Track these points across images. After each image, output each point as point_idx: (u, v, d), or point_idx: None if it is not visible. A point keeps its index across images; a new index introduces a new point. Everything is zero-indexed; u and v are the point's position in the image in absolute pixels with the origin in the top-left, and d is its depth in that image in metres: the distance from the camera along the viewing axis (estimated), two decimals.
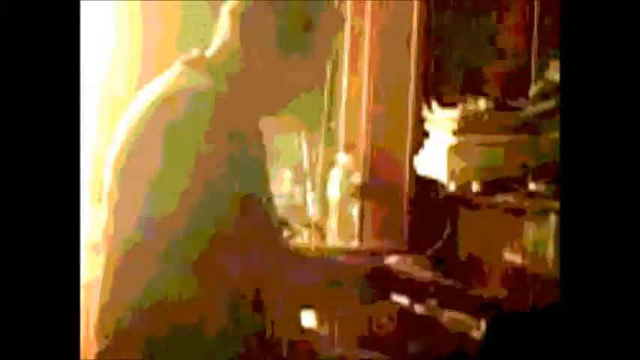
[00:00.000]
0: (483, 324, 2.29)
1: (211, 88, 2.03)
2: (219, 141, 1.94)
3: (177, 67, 2.09)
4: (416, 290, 2.26)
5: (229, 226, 1.93)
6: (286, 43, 2.06)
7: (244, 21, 2.06)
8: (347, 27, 3.26)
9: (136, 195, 1.95)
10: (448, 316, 2.39)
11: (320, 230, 3.26)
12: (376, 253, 3.10)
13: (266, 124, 2.17)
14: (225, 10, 2.10)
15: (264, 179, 2.08)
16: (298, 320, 2.24)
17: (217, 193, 1.93)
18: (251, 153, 2.02)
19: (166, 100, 2.00)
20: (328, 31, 2.13)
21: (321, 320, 2.68)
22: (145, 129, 1.99)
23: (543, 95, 2.82)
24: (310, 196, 3.34)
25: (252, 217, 1.99)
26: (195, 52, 2.11)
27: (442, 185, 2.89)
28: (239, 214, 1.95)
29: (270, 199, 2.10)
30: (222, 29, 2.09)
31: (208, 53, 2.11)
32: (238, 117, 2.02)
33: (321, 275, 2.13)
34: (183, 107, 1.97)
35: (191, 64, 2.09)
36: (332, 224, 3.26)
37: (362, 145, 3.27)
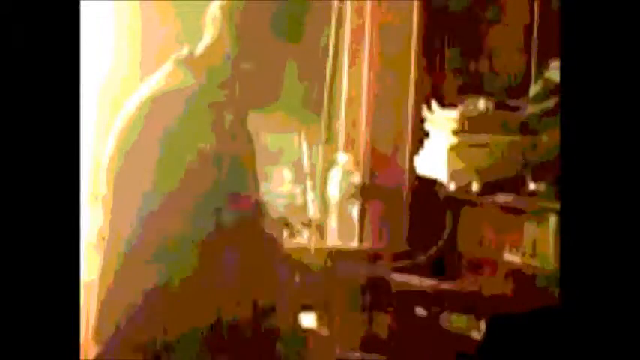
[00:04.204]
0: (483, 324, 2.29)
1: (201, 87, 2.03)
2: (210, 140, 1.94)
3: (168, 66, 2.09)
4: (416, 296, 2.27)
5: (224, 226, 1.94)
6: (277, 34, 2.06)
7: (237, 13, 2.06)
8: (347, 26, 3.27)
9: (131, 195, 1.95)
10: (448, 317, 2.39)
11: (320, 230, 3.26)
12: (376, 255, 3.11)
13: (266, 123, 2.17)
14: (215, 6, 2.10)
15: (254, 177, 2.09)
16: (298, 320, 2.24)
17: (211, 193, 1.93)
18: (241, 151, 2.02)
19: (158, 101, 2.00)
20: (319, 20, 2.14)
21: (321, 320, 2.68)
22: (138, 129, 2.00)
23: (543, 95, 2.82)
24: (310, 196, 3.34)
25: (247, 218, 1.99)
26: (185, 49, 2.12)
27: (442, 185, 2.89)
28: (232, 214, 1.95)
29: (261, 199, 2.11)
30: (212, 26, 2.09)
31: (198, 50, 2.11)
32: (228, 115, 2.03)
33: (319, 283, 2.14)
34: (174, 108, 1.97)
35: (182, 62, 2.09)
36: (332, 224, 3.26)
37: (362, 145, 3.27)
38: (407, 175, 3.18)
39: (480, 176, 2.79)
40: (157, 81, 2.07)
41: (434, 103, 2.97)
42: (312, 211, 3.32)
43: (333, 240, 3.25)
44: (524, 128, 2.80)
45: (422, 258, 2.94)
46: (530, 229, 2.60)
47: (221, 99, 2.04)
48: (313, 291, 2.17)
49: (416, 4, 3.21)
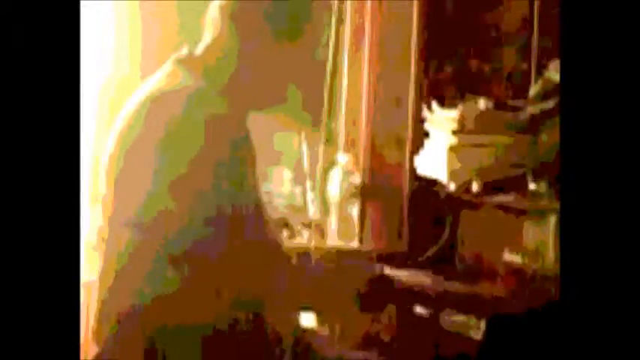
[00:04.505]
0: (483, 324, 2.29)
1: (201, 88, 2.03)
2: (209, 141, 1.94)
3: (168, 66, 2.09)
4: (416, 296, 2.26)
5: (223, 227, 1.94)
6: (277, 34, 2.06)
7: (237, 14, 2.06)
8: (347, 26, 3.27)
9: (130, 196, 1.95)
10: (448, 316, 2.39)
11: (320, 230, 3.26)
12: (376, 254, 3.11)
13: (266, 123, 2.17)
14: (215, 6, 2.10)
15: (254, 177, 2.09)
16: (298, 320, 2.25)
17: (210, 193, 1.93)
18: (241, 151, 2.02)
19: (158, 101, 2.00)
20: (319, 21, 2.14)
21: (321, 320, 2.68)
22: (138, 129, 2.00)
23: (543, 95, 2.82)
24: (310, 196, 3.34)
25: (247, 218, 1.99)
26: (185, 50, 2.12)
27: (442, 185, 2.89)
28: (233, 215, 1.95)
29: (261, 199, 2.10)
30: (212, 26, 2.09)
31: (198, 51, 2.11)
32: (227, 115, 2.02)
33: (319, 283, 2.14)
34: (174, 108, 1.97)
35: (181, 62, 2.09)
36: (332, 224, 3.26)
37: (362, 145, 3.27)
38: (407, 175, 3.18)
39: (480, 176, 2.79)
40: (157, 81, 2.07)
41: (434, 103, 2.97)
42: (312, 211, 3.32)
43: (333, 240, 3.25)
44: (524, 128, 2.80)
45: (422, 258, 2.93)
46: (530, 229, 2.60)
47: (221, 99, 2.04)
48: (313, 290, 2.17)
49: (416, 4, 3.21)
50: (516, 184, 2.74)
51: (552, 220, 2.52)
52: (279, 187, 3.37)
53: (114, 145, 2.04)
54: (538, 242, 2.57)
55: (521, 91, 3.00)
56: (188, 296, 1.94)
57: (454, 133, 2.82)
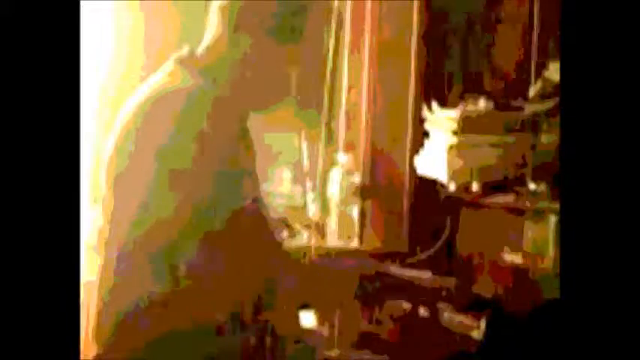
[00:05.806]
0: (483, 324, 2.29)
1: (201, 88, 2.03)
2: (210, 142, 1.94)
3: (168, 66, 2.09)
4: (416, 293, 2.26)
5: (224, 226, 1.94)
6: (277, 35, 2.06)
7: (237, 14, 2.06)
8: (347, 27, 3.27)
9: (131, 196, 1.95)
10: (448, 316, 2.39)
11: (320, 230, 3.26)
12: (376, 254, 3.11)
13: (266, 123, 2.17)
14: (214, 6, 2.10)
15: (254, 177, 2.09)
16: (298, 320, 2.24)
17: (210, 194, 1.93)
18: (241, 151, 2.02)
19: (158, 101, 2.00)
20: (319, 21, 2.14)
21: (321, 320, 2.68)
22: (138, 129, 1.99)
23: (543, 95, 2.82)
24: (310, 196, 3.34)
25: (247, 218, 1.99)
26: (186, 49, 2.11)
27: (442, 185, 2.89)
28: (232, 215, 1.95)
29: (261, 199, 2.10)
30: (212, 26, 2.09)
31: (199, 51, 2.11)
32: (229, 116, 2.02)
33: (320, 278, 2.14)
34: (174, 108, 1.96)
35: (182, 62, 2.09)
36: (332, 224, 3.26)
37: (362, 145, 3.27)
38: (407, 175, 3.18)
39: (480, 176, 2.79)
40: (157, 81, 2.07)
41: (434, 103, 2.97)
42: (312, 211, 3.32)
43: (333, 240, 3.25)
44: (524, 128, 2.80)
45: (422, 258, 2.93)
46: (530, 229, 2.60)
47: (221, 99, 2.04)
48: (313, 288, 2.17)
49: (416, 4, 3.21)
50: (516, 184, 2.74)
51: (552, 220, 2.52)
52: (279, 187, 3.38)
53: (114, 145, 2.04)
54: (538, 242, 2.57)
55: (521, 91, 3.00)
56: (188, 296, 1.94)
57: (454, 133, 2.82)
